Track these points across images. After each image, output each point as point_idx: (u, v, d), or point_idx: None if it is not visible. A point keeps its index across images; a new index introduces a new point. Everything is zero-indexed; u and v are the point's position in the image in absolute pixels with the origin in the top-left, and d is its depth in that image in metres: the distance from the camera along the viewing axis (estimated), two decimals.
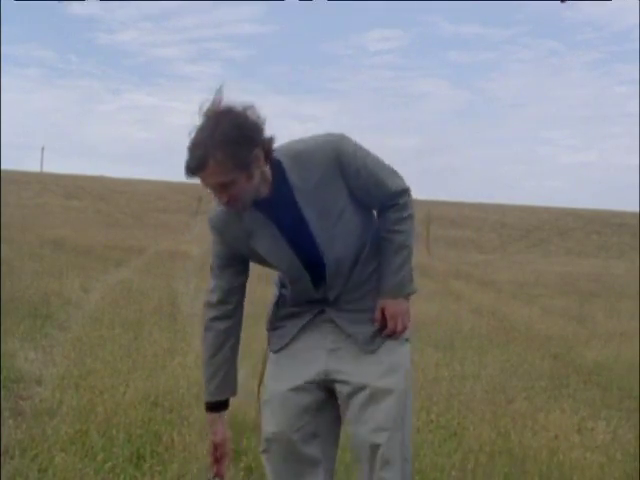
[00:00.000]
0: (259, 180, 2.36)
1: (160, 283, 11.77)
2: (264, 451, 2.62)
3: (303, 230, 2.46)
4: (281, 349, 2.64)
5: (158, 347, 6.17)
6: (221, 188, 2.32)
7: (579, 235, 44.01)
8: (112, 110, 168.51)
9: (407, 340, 2.61)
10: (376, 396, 2.48)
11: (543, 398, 5.46)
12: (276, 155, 2.41)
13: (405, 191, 2.54)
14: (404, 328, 2.56)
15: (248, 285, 2.63)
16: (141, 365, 5.43)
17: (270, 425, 2.58)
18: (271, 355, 2.69)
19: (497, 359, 7.22)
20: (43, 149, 74.21)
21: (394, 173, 2.55)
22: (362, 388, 2.49)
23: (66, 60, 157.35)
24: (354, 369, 2.52)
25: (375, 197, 2.52)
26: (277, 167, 2.41)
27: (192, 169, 2.28)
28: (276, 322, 2.66)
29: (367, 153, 2.50)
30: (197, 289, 11.38)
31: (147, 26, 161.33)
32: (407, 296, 2.57)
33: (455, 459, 3.78)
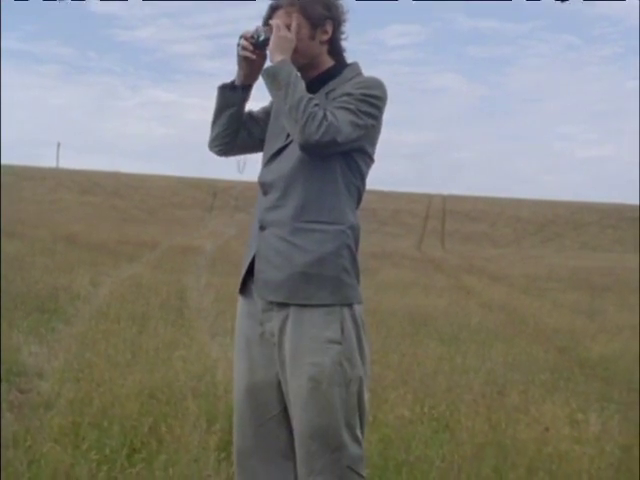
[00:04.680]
0: (317, 51, 2.55)
1: (170, 278, 11.81)
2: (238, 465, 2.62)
3: None
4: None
5: (160, 340, 6.20)
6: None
7: (594, 229, 43.79)
8: (130, 106, 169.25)
9: (338, 343, 2.44)
10: (296, 404, 2.46)
11: (540, 391, 5.46)
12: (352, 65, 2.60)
13: (339, 128, 2.38)
14: None
15: None
16: (142, 358, 5.46)
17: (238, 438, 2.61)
18: (237, 322, 2.67)
19: (500, 353, 7.22)
20: (59, 145, 74.06)
21: (354, 120, 2.42)
22: (287, 394, 2.49)
23: (85, 57, 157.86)
24: (284, 371, 2.49)
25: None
26: (338, 67, 2.58)
27: (271, 6, 2.59)
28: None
29: (365, 104, 2.44)
30: (208, 284, 11.43)
31: (165, 23, 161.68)
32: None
33: (444, 451, 3.80)
